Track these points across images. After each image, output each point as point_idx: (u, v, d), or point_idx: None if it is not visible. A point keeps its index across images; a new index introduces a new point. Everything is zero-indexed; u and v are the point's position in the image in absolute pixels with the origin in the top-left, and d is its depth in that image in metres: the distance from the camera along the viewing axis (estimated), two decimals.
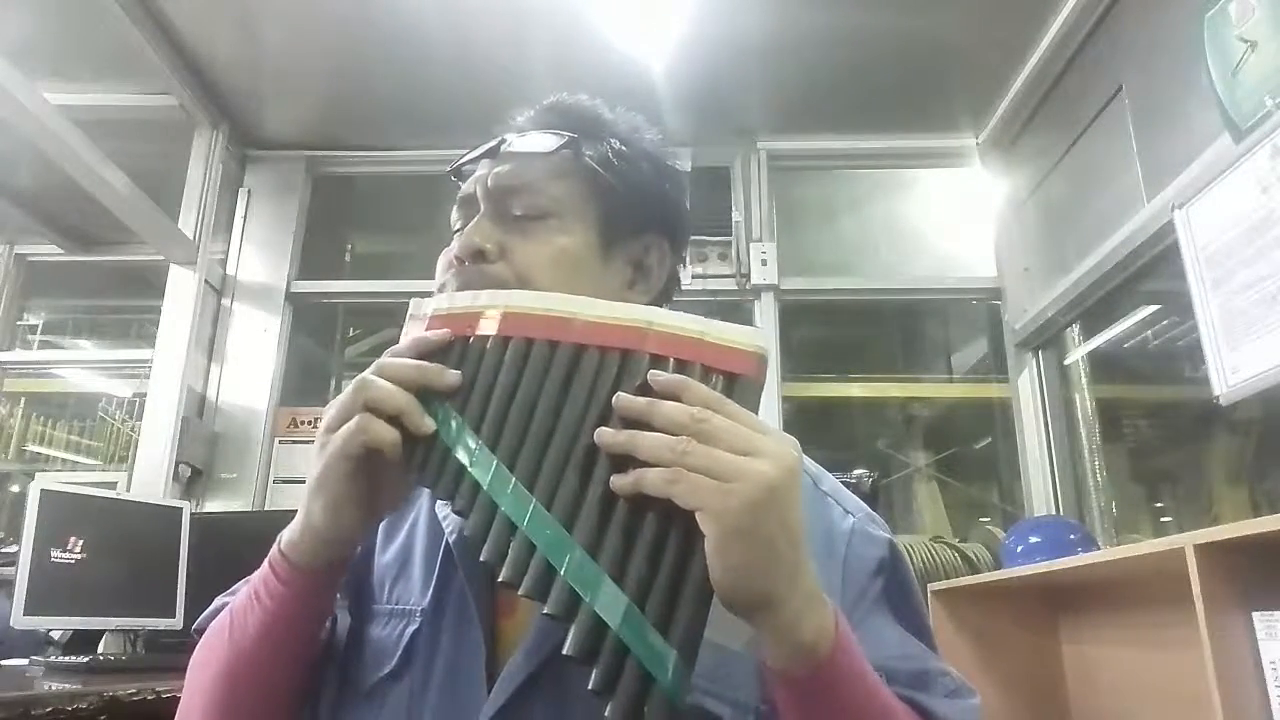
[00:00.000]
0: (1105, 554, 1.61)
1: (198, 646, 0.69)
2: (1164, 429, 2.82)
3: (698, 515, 0.48)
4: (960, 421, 3.41)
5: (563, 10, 2.46)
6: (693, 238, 3.32)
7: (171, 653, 2.01)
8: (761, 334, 0.56)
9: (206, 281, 2.92)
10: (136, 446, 2.76)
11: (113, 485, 2.81)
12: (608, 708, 0.47)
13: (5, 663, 1.86)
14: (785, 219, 3.15)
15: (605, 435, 0.52)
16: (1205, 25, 1.82)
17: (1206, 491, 2.46)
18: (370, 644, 0.67)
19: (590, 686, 0.47)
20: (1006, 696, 2.03)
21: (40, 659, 1.84)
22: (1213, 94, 1.79)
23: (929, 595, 2.08)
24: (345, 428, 0.55)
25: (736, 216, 3.08)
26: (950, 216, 3.24)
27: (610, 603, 0.48)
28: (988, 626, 2.06)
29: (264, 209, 3.17)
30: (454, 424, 0.56)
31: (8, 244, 3.52)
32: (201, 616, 0.73)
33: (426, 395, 0.57)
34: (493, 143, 0.73)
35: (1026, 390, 2.83)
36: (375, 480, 0.58)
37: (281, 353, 3.02)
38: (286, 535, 0.62)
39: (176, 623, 2.09)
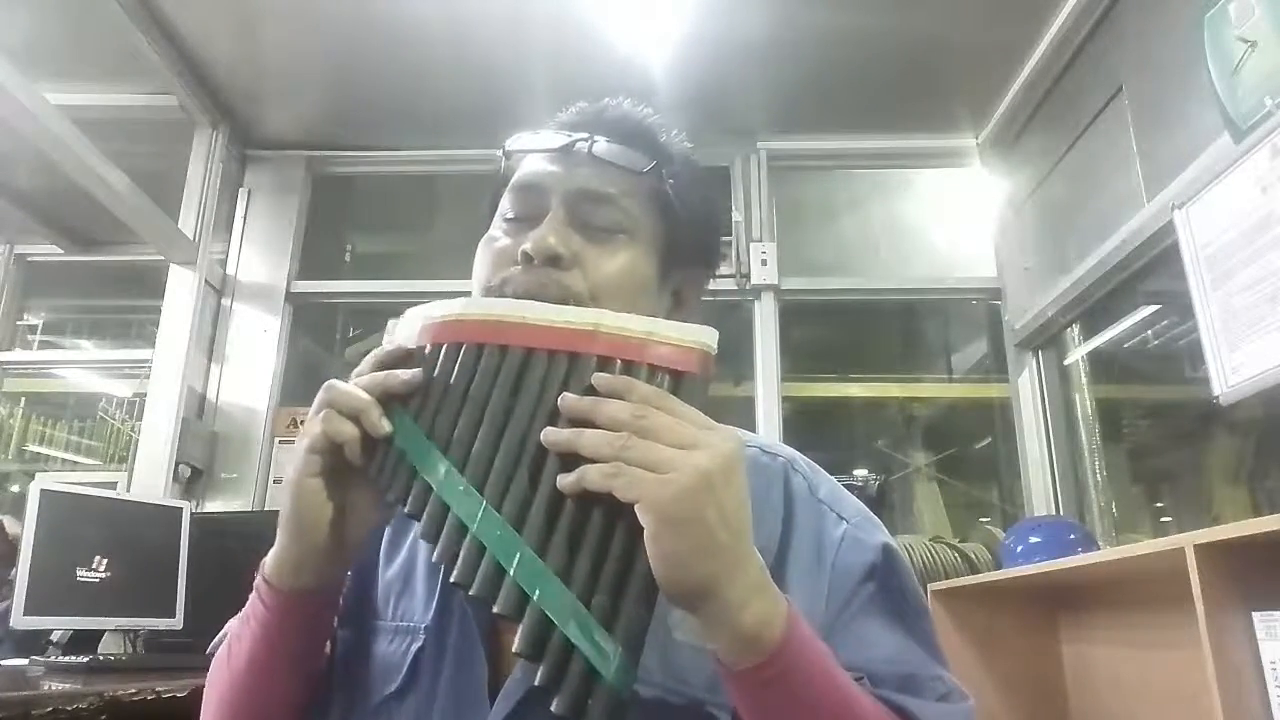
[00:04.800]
0: (1105, 554, 1.61)
1: (209, 671, 0.70)
2: (1164, 429, 2.82)
3: (636, 507, 0.49)
4: (960, 421, 3.41)
5: (562, 11, 2.46)
6: None
7: (171, 653, 2.01)
8: (708, 331, 0.57)
9: (206, 281, 2.92)
10: (136, 446, 2.76)
11: (113, 485, 2.81)
12: (554, 702, 0.48)
13: (5, 663, 1.86)
14: (785, 219, 3.15)
15: (550, 434, 0.53)
16: (1205, 25, 1.82)
17: (1206, 491, 2.46)
18: (375, 661, 0.67)
19: (537, 681, 0.49)
20: (1006, 696, 2.03)
21: (40, 659, 1.84)
22: (1213, 94, 1.79)
23: (929, 595, 2.08)
24: (309, 426, 0.58)
25: (736, 216, 3.08)
26: (950, 216, 3.24)
27: (555, 601, 0.49)
28: (988, 626, 2.06)
29: (264, 209, 3.17)
30: (409, 429, 0.57)
31: (8, 244, 3.52)
32: (214, 641, 0.73)
33: (387, 404, 0.58)
34: (570, 139, 0.70)
35: (1026, 390, 2.82)
36: (342, 493, 0.59)
37: (281, 353, 3.02)
38: (268, 561, 0.62)
39: (176, 623, 2.09)
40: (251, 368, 2.96)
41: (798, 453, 0.76)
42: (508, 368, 0.57)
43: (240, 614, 0.68)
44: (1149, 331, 2.45)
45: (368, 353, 0.63)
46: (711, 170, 3.09)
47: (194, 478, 2.79)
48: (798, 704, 0.52)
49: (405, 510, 0.56)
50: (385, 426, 0.57)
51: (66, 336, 3.87)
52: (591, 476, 0.50)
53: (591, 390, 0.54)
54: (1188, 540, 1.19)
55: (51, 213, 3.34)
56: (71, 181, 2.47)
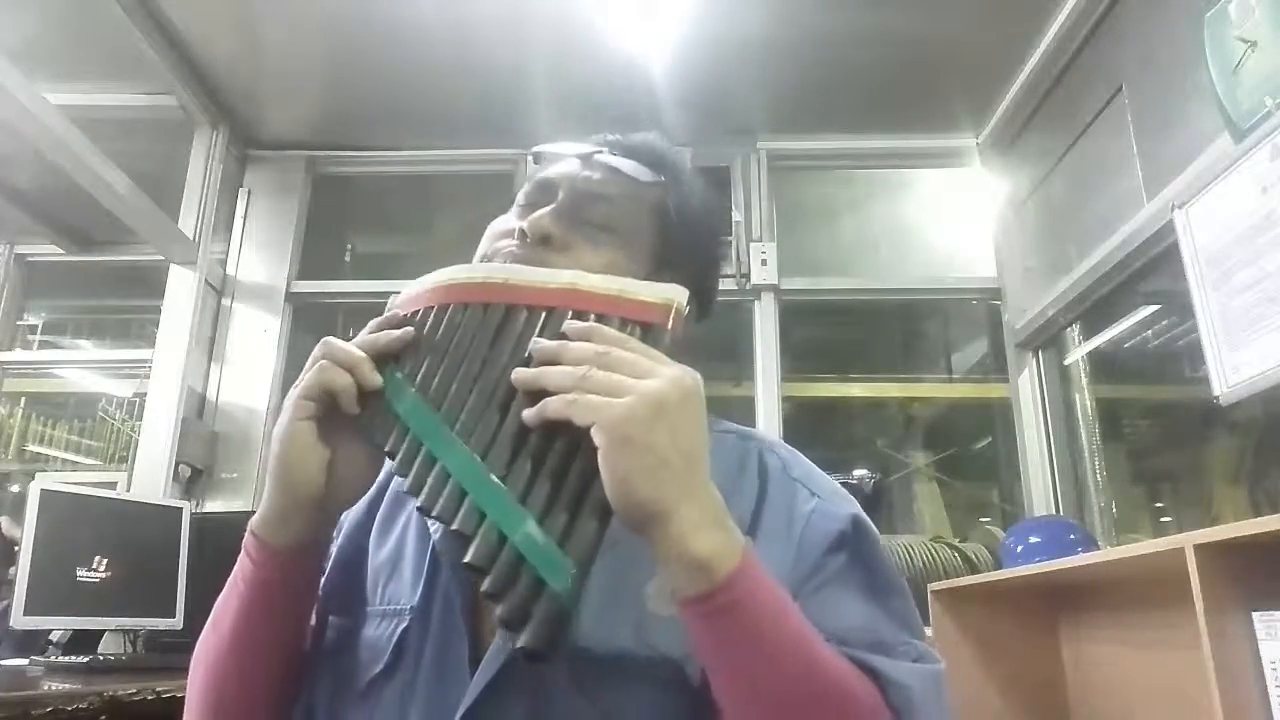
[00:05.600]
0: (1105, 554, 1.61)
1: (194, 652, 0.71)
2: (1164, 429, 2.82)
3: (591, 430, 0.51)
4: (960, 421, 3.42)
5: (562, 11, 2.46)
6: None
7: (171, 653, 2.01)
8: (678, 289, 0.61)
9: (206, 281, 2.92)
10: (136, 446, 2.76)
11: (113, 485, 2.81)
12: (498, 609, 0.51)
13: (5, 663, 1.86)
14: (785, 219, 3.15)
15: (519, 373, 0.57)
16: (1205, 25, 1.82)
17: (1206, 491, 2.46)
18: (364, 645, 0.69)
19: (483, 589, 0.51)
20: (1006, 696, 2.03)
21: (40, 659, 1.84)
22: (1213, 94, 1.79)
23: (929, 595, 2.08)
24: (306, 374, 0.61)
25: (736, 216, 3.07)
26: (950, 216, 3.24)
27: (510, 516, 0.53)
28: (988, 626, 2.06)
29: (264, 209, 3.17)
30: (398, 384, 0.61)
31: (8, 244, 3.52)
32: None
33: (381, 362, 0.62)
34: (591, 147, 0.77)
35: (1026, 390, 2.82)
36: (331, 443, 0.62)
37: (281, 353, 3.02)
38: (256, 516, 0.65)
39: (176, 623, 2.09)
40: (251, 368, 2.97)
41: (776, 439, 0.79)
42: (489, 321, 0.61)
43: (225, 589, 0.69)
44: (1149, 331, 2.45)
45: None
46: (711, 170, 3.10)
47: (194, 478, 2.79)
48: (751, 637, 0.53)
49: (386, 450, 0.59)
50: (376, 379, 0.61)
51: (66, 336, 3.87)
52: (551, 406, 0.53)
53: (563, 337, 0.57)
54: (1188, 540, 1.18)
55: (51, 213, 3.34)
56: (71, 181, 2.47)
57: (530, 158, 0.82)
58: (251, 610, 0.65)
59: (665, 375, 0.53)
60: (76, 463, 3.65)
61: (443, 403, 0.59)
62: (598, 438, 0.51)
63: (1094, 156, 2.42)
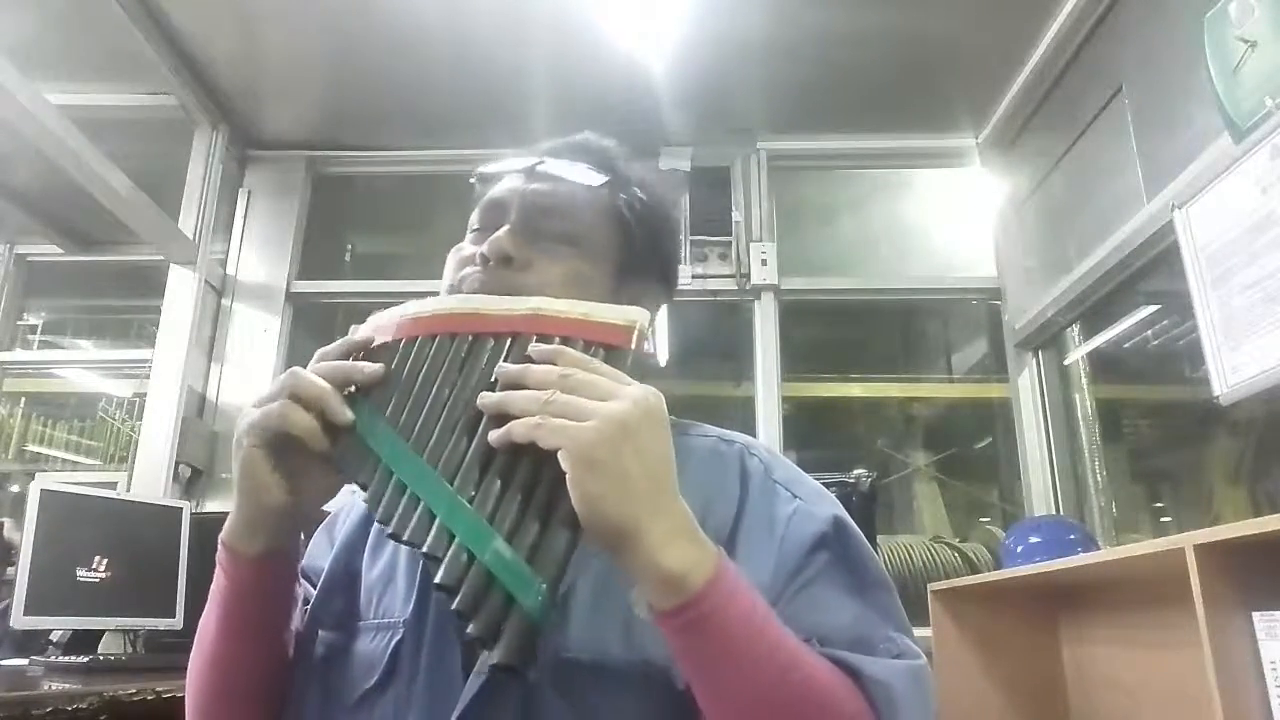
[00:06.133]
0: (1105, 554, 1.60)
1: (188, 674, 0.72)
2: (1164, 429, 2.82)
3: (559, 455, 0.52)
4: (960, 421, 3.41)
5: (563, 10, 2.46)
6: (693, 238, 3.24)
7: (171, 653, 2.01)
8: (640, 311, 0.62)
9: (206, 281, 2.92)
10: (136, 446, 2.76)
11: (113, 485, 2.81)
12: (470, 625, 0.51)
13: (5, 663, 1.86)
14: (785, 219, 3.15)
15: (484, 397, 0.58)
16: (1205, 25, 1.82)
17: (1206, 491, 2.46)
18: (357, 658, 0.69)
19: (453, 607, 0.52)
20: (1006, 696, 2.03)
21: (40, 659, 1.84)
22: (1213, 94, 1.79)
23: (929, 595, 2.08)
24: (265, 409, 0.60)
25: (736, 216, 3.08)
26: (950, 216, 3.24)
27: (479, 536, 0.53)
28: (988, 626, 2.06)
29: (264, 209, 3.17)
30: (369, 416, 0.61)
31: (8, 244, 3.52)
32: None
33: (353, 394, 0.62)
34: (531, 160, 0.77)
35: (1026, 390, 2.82)
36: (290, 460, 0.62)
37: (281, 353, 3.02)
38: (225, 526, 0.66)
39: (176, 623, 2.09)
40: (251, 368, 2.96)
41: (758, 440, 0.79)
42: (456, 351, 0.62)
43: (205, 609, 0.70)
44: (1149, 331, 2.45)
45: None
46: (712, 170, 3.10)
47: (194, 478, 2.79)
48: (726, 646, 0.54)
49: (358, 482, 0.60)
50: (347, 415, 0.61)
51: (66, 336, 3.86)
52: (517, 430, 0.54)
53: (528, 360, 0.59)
54: (1188, 540, 1.18)
55: (51, 213, 3.33)
56: (71, 181, 2.46)
57: (475, 180, 0.82)
58: (230, 623, 0.66)
59: (628, 396, 0.54)
60: (76, 463, 3.65)
61: (412, 432, 0.60)
62: (565, 462, 0.52)
63: (1094, 156, 2.42)
